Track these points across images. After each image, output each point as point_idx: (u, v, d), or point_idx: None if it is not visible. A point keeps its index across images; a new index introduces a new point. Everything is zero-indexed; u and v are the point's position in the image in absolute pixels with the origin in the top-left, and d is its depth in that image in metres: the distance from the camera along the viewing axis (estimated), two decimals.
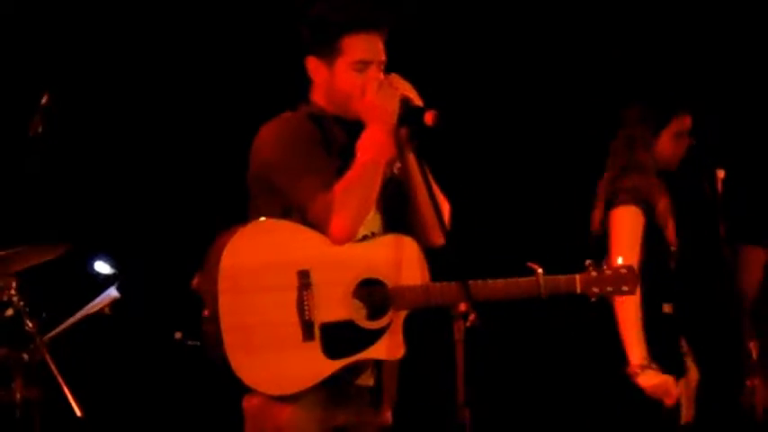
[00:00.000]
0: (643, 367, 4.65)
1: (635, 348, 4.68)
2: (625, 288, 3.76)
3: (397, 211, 3.72)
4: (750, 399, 4.98)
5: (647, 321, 4.67)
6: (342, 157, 3.62)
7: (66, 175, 5.80)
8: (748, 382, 4.96)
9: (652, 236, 4.76)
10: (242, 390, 3.54)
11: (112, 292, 5.16)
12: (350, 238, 3.54)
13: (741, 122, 5.84)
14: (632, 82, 5.74)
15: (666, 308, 4.80)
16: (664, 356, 4.67)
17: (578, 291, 3.73)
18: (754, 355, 4.83)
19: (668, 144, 4.93)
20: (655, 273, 4.61)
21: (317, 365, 3.50)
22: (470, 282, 3.56)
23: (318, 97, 3.71)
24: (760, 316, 5.14)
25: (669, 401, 4.65)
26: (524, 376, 6.18)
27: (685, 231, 4.90)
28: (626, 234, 4.76)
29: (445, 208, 3.71)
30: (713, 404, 4.99)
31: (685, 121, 4.93)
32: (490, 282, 3.63)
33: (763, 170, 5.70)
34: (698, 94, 5.26)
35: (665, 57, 5.99)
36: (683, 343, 4.81)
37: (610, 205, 4.80)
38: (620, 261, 3.79)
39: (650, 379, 4.64)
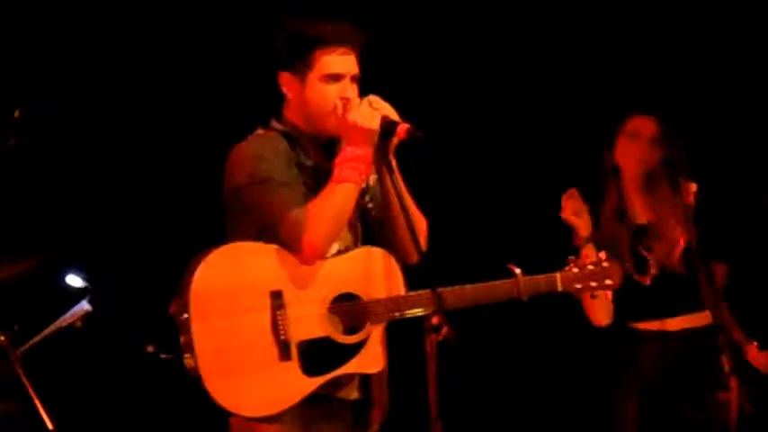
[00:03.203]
0: None
1: None
2: (609, 282, 3.74)
3: (371, 225, 3.72)
4: (723, 411, 4.99)
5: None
6: (313, 175, 3.63)
7: (38, 188, 5.77)
8: (721, 395, 4.96)
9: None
10: (223, 413, 3.53)
11: (84, 306, 5.14)
12: (320, 256, 3.54)
13: (716, 135, 5.86)
14: (612, 92, 5.76)
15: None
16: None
17: (559, 289, 3.72)
18: (726, 368, 4.84)
19: (623, 143, 4.98)
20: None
21: (296, 384, 3.51)
22: (448, 289, 3.57)
23: (291, 113, 3.71)
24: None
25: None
26: (497, 389, 6.18)
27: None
28: None
29: (422, 225, 3.72)
30: (690, 415, 5.00)
31: (638, 123, 4.97)
32: (469, 287, 3.64)
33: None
34: (672, 104, 5.28)
35: (644, 68, 6.01)
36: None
37: None
38: (602, 255, 3.77)
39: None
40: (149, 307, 3.83)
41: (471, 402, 5.94)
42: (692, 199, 4.83)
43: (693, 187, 4.84)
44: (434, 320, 3.65)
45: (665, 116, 5.04)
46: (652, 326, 4.89)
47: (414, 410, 3.79)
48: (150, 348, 4.93)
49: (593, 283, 3.73)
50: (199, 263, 3.47)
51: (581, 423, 5.45)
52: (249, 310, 3.48)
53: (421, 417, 3.58)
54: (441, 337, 3.57)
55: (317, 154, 3.67)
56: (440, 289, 3.51)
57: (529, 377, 6.11)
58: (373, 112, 3.58)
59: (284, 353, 3.49)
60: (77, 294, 5.20)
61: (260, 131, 3.70)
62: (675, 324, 4.90)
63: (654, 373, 4.87)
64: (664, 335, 4.89)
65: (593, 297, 3.83)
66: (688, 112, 5.51)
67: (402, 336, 3.77)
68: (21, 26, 5.69)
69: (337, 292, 3.57)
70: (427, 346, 3.60)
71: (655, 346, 4.88)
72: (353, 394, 3.66)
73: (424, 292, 3.58)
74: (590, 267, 3.73)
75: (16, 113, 4.85)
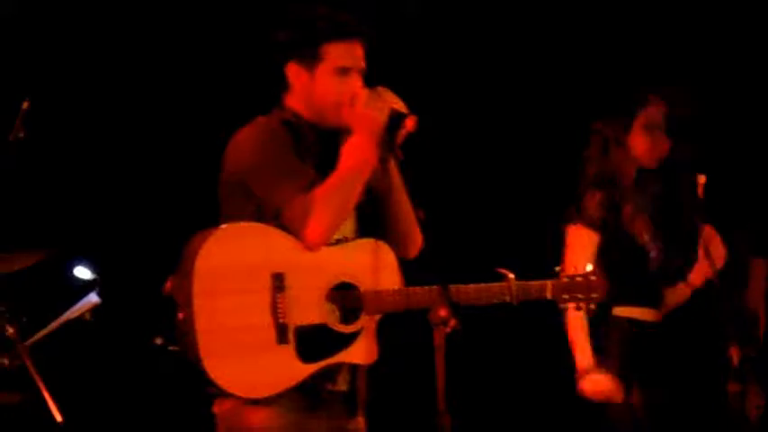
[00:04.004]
0: (587, 371, 4.74)
1: (579, 353, 4.78)
2: (594, 295, 3.78)
3: (371, 217, 3.73)
4: (735, 404, 4.99)
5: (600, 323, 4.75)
6: (316, 163, 3.64)
7: (47, 180, 5.78)
8: (729, 388, 4.96)
9: (617, 244, 4.80)
10: (215, 394, 3.54)
11: (93, 298, 5.15)
12: (324, 242, 3.55)
13: (727, 127, 5.86)
14: (606, 91, 5.76)
15: (623, 311, 4.84)
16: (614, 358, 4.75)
17: (549, 297, 3.74)
18: (735, 361, 4.84)
19: (640, 136, 4.95)
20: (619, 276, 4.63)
21: (291, 369, 3.51)
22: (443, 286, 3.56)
23: (295, 103, 3.72)
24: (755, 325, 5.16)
25: (616, 400, 4.73)
26: (504, 382, 6.19)
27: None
28: (571, 252, 4.84)
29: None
30: (695, 410, 5.00)
31: (654, 112, 4.95)
32: (462, 287, 3.65)
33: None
34: (683, 94, 5.28)
35: (643, 64, 6.00)
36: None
37: (567, 220, 4.89)
38: (588, 268, 3.80)
39: (591, 384, 4.74)
40: (158, 299, 3.82)
41: (479, 395, 5.95)
42: (701, 192, 4.83)
43: (702, 179, 4.83)
44: (442, 313, 3.66)
45: (671, 108, 5.04)
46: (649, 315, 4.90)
47: (421, 403, 3.80)
48: (159, 340, 4.94)
49: (580, 295, 3.77)
50: (204, 239, 3.47)
51: (586, 416, 5.44)
52: (250, 291, 3.48)
53: (428, 409, 3.59)
54: (449, 330, 3.57)
55: (319, 142, 3.68)
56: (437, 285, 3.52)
57: (536, 370, 6.11)
58: (382, 103, 3.59)
59: (282, 336, 3.49)
60: (86, 287, 5.22)
61: (261, 119, 3.70)
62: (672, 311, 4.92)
63: (655, 362, 4.88)
64: (662, 324, 4.91)
65: (578, 309, 3.86)
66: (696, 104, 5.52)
67: (408, 328, 3.77)
68: (22, 25, 5.72)
69: (337, 281, 3.58)
70: (435, 338, 3.61)
71: (653, 335, 4.89)
72: (343, 386, 3.67)
73: (425, 287, 3.59)
74: (578, 279, 3.77)
75: (25, 104, 4.85)
